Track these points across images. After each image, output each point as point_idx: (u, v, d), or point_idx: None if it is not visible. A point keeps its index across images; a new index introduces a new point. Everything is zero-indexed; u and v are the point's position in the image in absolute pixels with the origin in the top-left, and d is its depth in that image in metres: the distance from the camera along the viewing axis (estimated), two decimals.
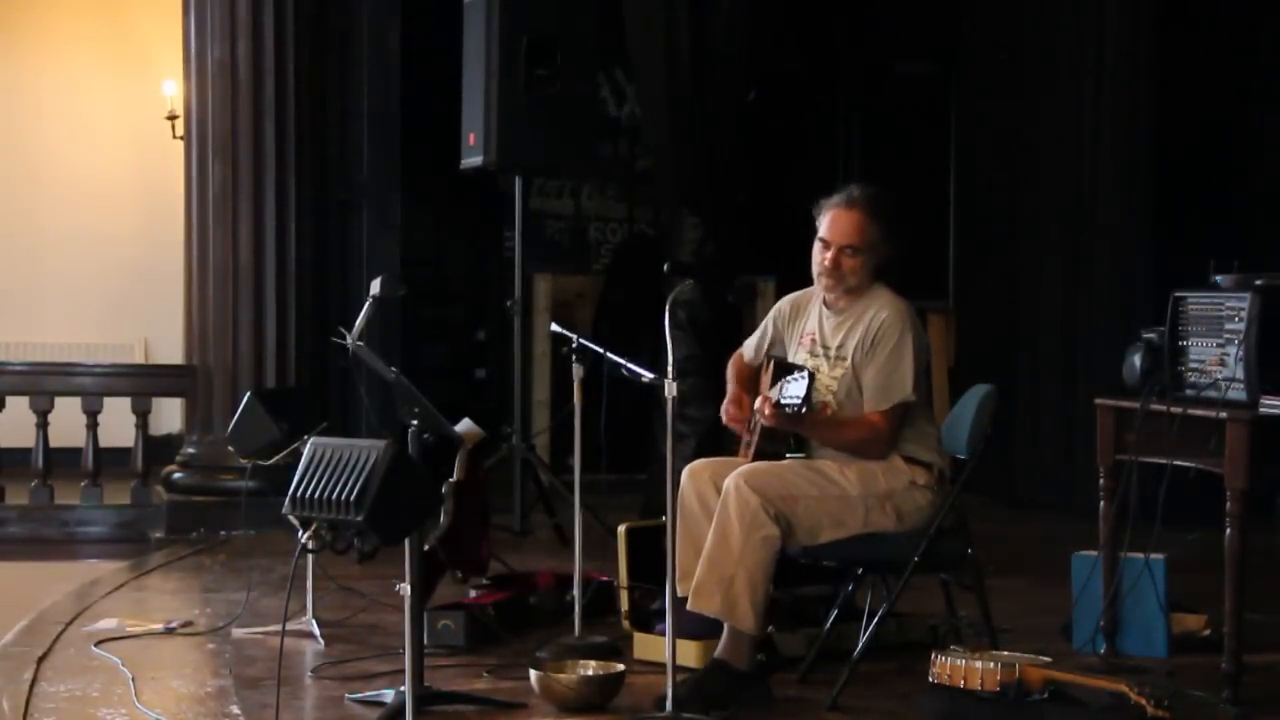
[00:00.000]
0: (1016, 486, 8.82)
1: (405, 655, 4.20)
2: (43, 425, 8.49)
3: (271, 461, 5.54)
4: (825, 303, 4.93)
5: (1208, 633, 5.39)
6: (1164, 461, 4.75)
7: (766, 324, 5.12)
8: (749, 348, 5.16)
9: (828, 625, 5.00)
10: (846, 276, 4.82)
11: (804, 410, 4.63)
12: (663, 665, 4.45)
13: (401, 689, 4.31)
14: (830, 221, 4.84)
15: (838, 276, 4.83)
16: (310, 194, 8.42)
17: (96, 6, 11.20)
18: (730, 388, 5.06)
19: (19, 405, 8.54)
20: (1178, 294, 4.84)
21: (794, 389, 4.66)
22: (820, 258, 4.84)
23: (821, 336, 4.90)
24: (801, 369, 4.73)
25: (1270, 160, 8.41)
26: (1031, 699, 4.30)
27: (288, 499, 3.90)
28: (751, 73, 8.05)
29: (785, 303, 5.09)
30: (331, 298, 8.56)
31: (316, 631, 5.54)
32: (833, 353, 4.85)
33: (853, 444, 4.77)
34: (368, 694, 4.76)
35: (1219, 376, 4.62)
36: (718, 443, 5.30)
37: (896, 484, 4.75)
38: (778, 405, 4.64)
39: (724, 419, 4.98)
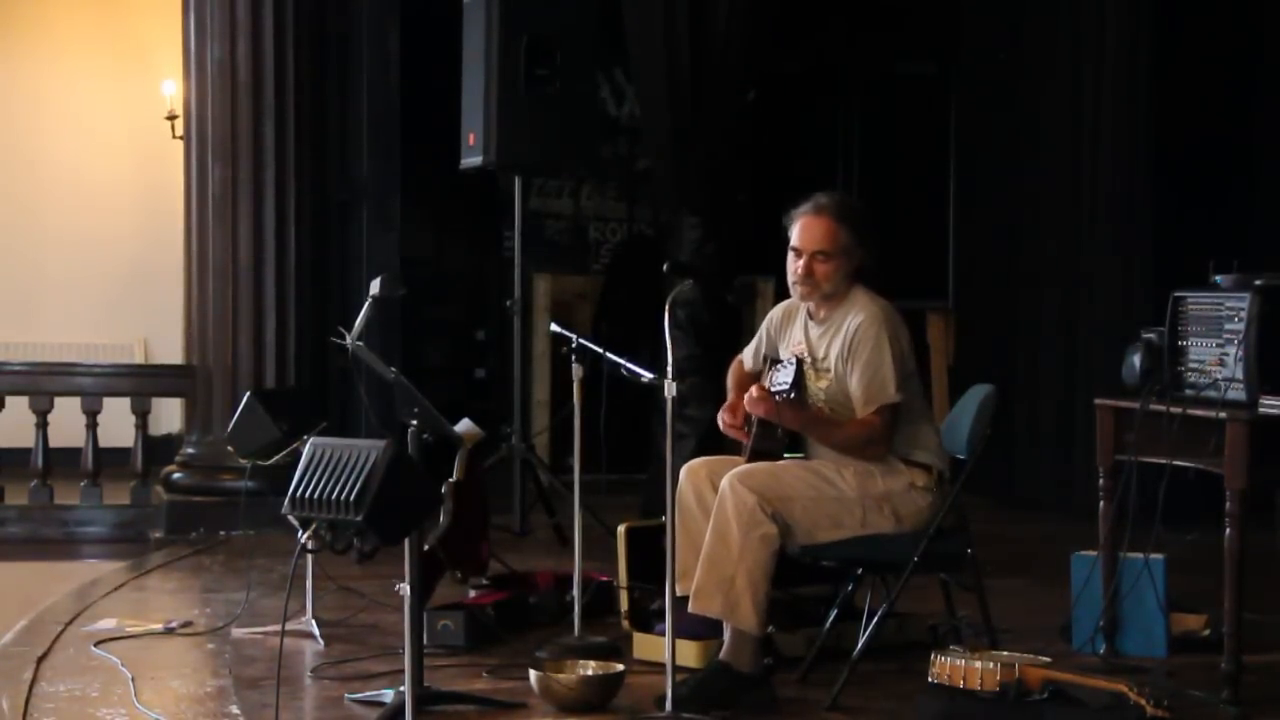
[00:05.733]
0: (1016, 486, 8.81)
1: (405, 655, 4.20)
2: (42, 425, 8.49)
3: (271, 461, 5.55)
4: (809, 313, 4.92)
5: (1207, 633, 5.38)
6: (1164, 461, 4.75)
7: (761, 332, 5.10)
8: (748, 355, 5.15)
9: (827, 625, 5.00)
10: (820, 284, 4.80)
11: (792, 395, 4.63)
12: (662, 665, 4.45)
13: (401, 689, 4.31)
14: (800, 229, 4.83)
15: (811, 284, 4.81)
16: (310, 194, 8.41)
17: (96, 6, 11.20)
18: (729, 396, 5.05)
19: (19, 405, 8.54)
20: (1177, 294, 4.84)
21: (782, 376, 4.69)
22: (793, 266, 4.82)
23: (809, 347, 4.88)
24: (790, 359, 4.75)
25: (1270, 160, 8.41)
26: (1031, 699, 4.30)
27: (287, 499, 3.90)
28: (751, 73, 8.05)
29: (777, 310, 5.08)
30: (331, 298, 8.55)
31: (316, 631, 5.54)
32: (819, 364, 4.84)
33: (847, 442, 4.75)
34: (367, 694, 4.76)
35: (1219, 376, 4.62)
36: (718, 443, 5.28)
37: (895, 485, 4.74)
38: (767, 391, 4.66)
39: (721, 426, 4.96)
